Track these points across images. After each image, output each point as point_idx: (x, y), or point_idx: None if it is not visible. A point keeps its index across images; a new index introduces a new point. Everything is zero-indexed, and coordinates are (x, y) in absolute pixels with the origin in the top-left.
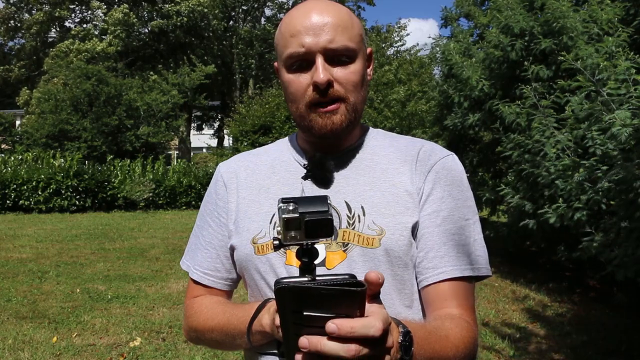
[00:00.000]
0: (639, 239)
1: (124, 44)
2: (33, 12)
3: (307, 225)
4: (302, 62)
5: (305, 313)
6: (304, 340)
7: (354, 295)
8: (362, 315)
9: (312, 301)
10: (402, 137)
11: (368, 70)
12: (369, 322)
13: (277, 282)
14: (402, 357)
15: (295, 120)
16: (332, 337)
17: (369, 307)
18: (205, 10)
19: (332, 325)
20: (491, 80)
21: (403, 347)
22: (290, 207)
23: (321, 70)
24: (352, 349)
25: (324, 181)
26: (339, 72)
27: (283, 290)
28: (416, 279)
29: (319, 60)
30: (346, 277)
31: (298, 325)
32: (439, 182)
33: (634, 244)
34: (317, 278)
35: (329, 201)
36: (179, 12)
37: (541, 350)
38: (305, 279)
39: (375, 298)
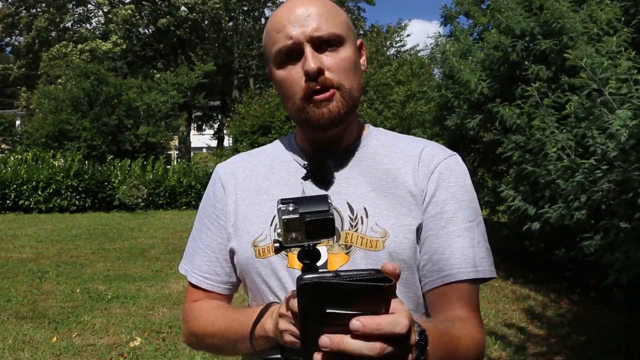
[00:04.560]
0: (639, 240)
1: (129, 44)
2: (32, 10)
3: (308, 226)
4: (291, 54)
5: (328, 310)
6: (325, 339)
7: (381, 290)
8: (387, 312)
9: (336, 297)
10: (403, 137)
11: (361, 60)
12: (396, 319)
13: (299, 278)
14: (417, 356)
15: (293, 117)
16: (355, 335)
17: (392, 303)
18: (221, 12)
19: (357, 322)
20: (491, 83)
21: (419, 346)
22: (290, 208)
23: (310, 59)
24: (376, 347)
25: (325, 181)
26: (329, 60)
27: (307, 286)
28: (419, 282)
29: (308, 50)
30: (372, 272)
31: (318, 324)
32: (443, 184)
33: (634, 245)
34: (341, 273)
35: (329, 200)
36: (190, 5)
37: (541, 350)
38: (329, 274)
39: (393, 294)
